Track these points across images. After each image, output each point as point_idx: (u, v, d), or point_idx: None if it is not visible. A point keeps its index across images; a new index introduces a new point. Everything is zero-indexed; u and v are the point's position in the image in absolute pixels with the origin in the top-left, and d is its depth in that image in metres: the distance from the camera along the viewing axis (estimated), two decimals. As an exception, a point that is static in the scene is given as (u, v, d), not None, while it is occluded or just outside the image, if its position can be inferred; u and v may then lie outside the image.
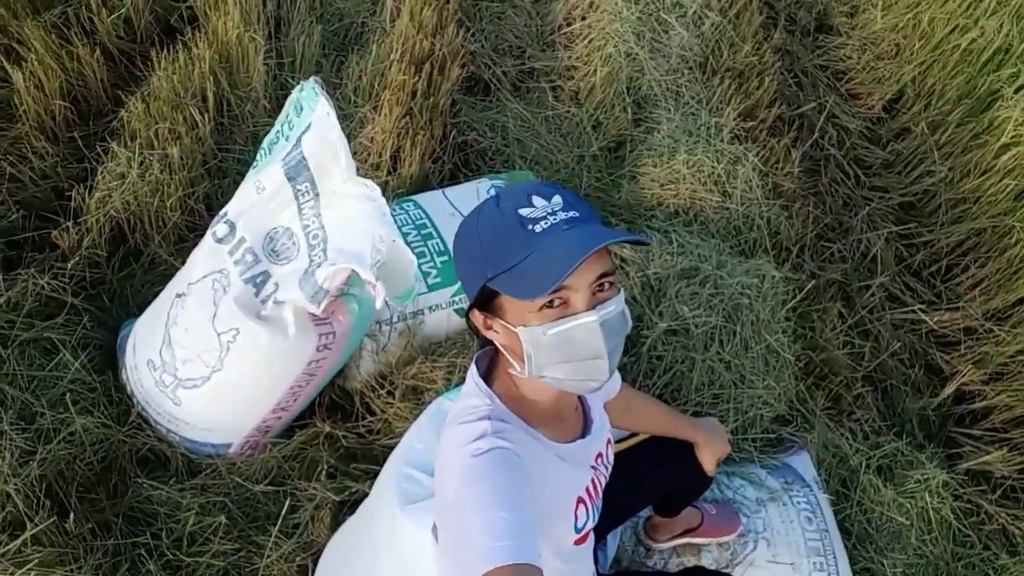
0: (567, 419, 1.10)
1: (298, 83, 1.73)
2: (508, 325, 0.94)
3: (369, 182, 1.59)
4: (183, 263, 1.77)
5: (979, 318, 2.50)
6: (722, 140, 2.53)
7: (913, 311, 2.58)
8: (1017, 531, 2.19)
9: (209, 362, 1.62)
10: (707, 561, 1.70)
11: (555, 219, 0.91)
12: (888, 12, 3.16)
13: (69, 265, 1.88)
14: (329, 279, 1.53)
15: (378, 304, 1.50)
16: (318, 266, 1.55)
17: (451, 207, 2.14)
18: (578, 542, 1.06)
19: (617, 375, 1.32)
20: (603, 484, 1.15)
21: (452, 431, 0.99)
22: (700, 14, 2.93)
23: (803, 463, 2.01)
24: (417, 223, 2.06)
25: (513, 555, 0.83)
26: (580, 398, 1.16)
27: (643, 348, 2.00)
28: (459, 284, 2.02)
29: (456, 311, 2.04)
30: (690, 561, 1.70)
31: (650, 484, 1.49)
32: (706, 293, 2.05)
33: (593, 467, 1.12)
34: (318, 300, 1.56)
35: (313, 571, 1.61)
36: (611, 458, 1.19)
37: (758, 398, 2.04)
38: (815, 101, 2.99)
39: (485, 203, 0.97)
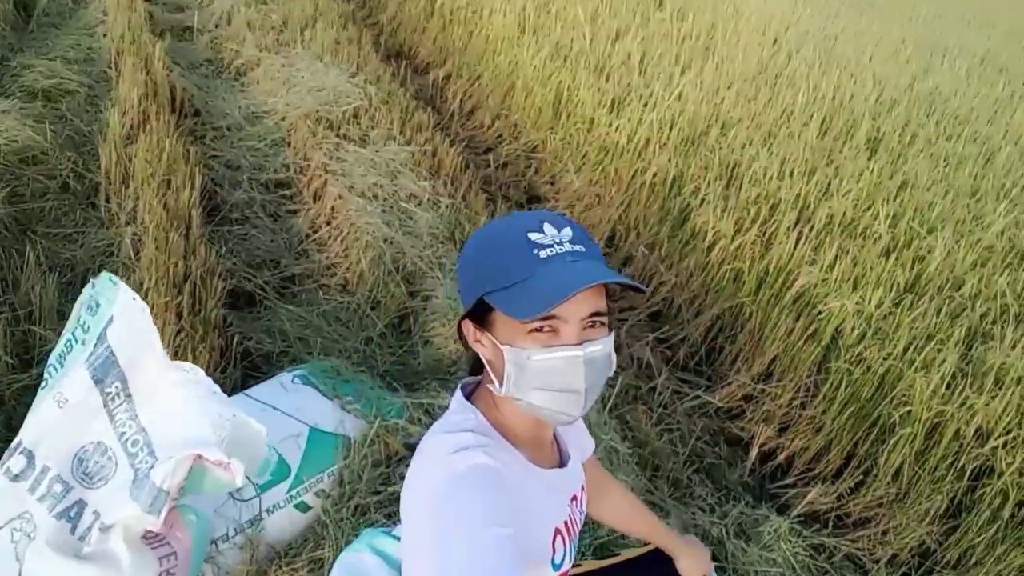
0: (544, 447, 1.08)
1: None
2: (496, 341, 0.95)
3: (188, 364, 1.45)
4: None
5: (750, 384, 2.84)
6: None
7: (698, 396, 2.87)
8: (857, 551, 2.40)
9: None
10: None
11: (561, 249, 0.93)
12: (580, 173, 3.76)
13: None
14: (169, 476, 1.33)
15: (238, 481, 1.32)
16: (150, 468, 1.34)
17: (261, 404, 2.00)
18: None
19: (591, 440, 1.31)
20: (578, 526, 1.11)
21: (434, 439, 0.97)
22: (434, 199, 3.23)
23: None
24: (229, 427, 1.88)
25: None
26: (555, 437, 1.15)
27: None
28: (294, 477, 1.87)
29: (296, 507, 1.84)
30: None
31: None
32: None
33: (570, 504, 1.09)
34: (158, 508, 1.33)
35: None
36: (584, 506, 1.16)
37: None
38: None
39: (498, 219, 1.01)
